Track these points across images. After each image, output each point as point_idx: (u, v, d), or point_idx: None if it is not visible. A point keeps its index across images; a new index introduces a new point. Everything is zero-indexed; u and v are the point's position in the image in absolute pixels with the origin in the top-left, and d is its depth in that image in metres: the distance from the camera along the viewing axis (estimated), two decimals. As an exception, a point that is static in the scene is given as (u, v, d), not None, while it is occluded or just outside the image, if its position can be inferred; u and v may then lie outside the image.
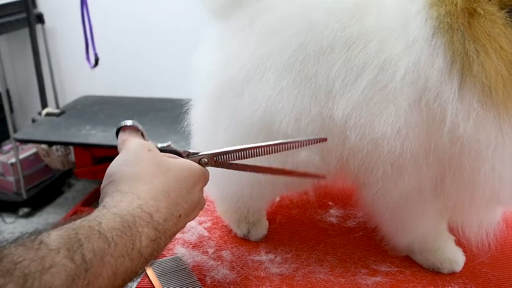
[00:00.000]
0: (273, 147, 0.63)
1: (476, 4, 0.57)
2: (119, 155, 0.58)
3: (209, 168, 0.68)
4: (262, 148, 0.63)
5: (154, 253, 0.50)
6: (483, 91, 0.56)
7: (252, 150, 0.63)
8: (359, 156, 0.65)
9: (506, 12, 0.56)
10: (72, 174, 2.93)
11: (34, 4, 2.74)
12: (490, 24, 0.56)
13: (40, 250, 0.40)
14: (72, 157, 2.85)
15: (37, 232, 0.43)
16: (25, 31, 2.66)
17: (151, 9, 2.60)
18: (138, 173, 0.54)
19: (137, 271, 0.48)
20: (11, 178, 2.67)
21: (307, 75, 0.65)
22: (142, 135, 0.63)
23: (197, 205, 0.60)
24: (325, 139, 0.64)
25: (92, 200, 2.70)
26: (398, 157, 0.62)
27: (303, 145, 0.64)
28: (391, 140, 0.61)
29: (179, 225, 0.56)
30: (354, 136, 0.64)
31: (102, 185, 0.55)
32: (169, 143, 0.64)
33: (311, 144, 0.64)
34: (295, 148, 0.64)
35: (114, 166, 0.56)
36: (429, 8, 0.59)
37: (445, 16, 0.58)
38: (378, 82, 0.61)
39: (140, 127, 0.63)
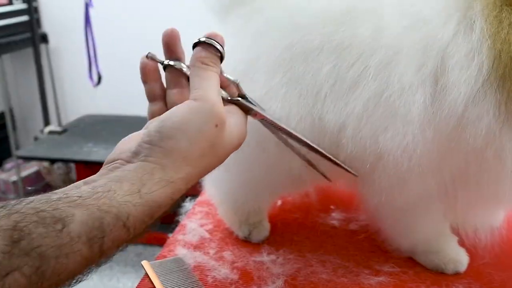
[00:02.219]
0: (312, 149, 0.60)
1: None
2: (187, 107, 0.49)
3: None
4: (306, 144, 0.60)
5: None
6: None
7: (297, 137, 0.60)
8: (358, 167, 0.64)
9: None
10: (73, 193, 2.92)
11: (38, 24, 2.78)
12: None
13: (61, 237, 0.39)
14: (73, 175, 2.85)
15: (60, 201, 0.40)
16: (29, 50, 2.69)
17: (154, 29, 2.63)
18: (190, 155, 0.48)
19: None
20: (12, 196, 2.66)
21: (294, 75, 0.65)
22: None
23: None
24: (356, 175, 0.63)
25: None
26: (405, 172, 0.61)
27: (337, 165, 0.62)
28: (398, 155, 0.60)
29: None
30: (351, 147, 0.63)
31: (147, 133, 0.49)
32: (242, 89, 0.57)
33: (343, 168, 0.62)
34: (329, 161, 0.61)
35: (174, 124, 0.48)
36: (491, 63, 0.53)
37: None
38: (383, 98, 0.59)
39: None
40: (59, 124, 2.90)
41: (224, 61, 0.57)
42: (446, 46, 0.56)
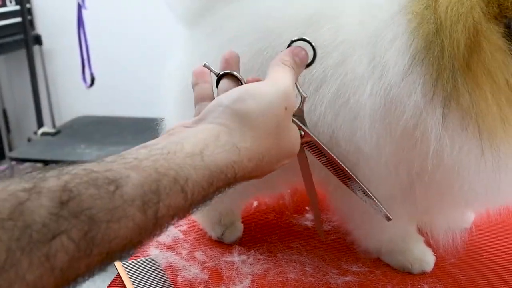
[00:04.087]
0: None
1: (481, 36, 0.52)
2: (260, 83, 0.50)
3: None
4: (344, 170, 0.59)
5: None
6: (469, 122, 0.54)
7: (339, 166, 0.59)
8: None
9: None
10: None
11: (32, 26, 2.80)
12: (490, 57, 0.52)
13: (113, 199, 0.35)
14: (67, 176, 2.86)
15: (114, 162, 0.38)
16: (23, 52, 2.71)
17: (147, 30, 2.65)
18: (257, 125, 0.46)
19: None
20: (6, 197, 2.67)
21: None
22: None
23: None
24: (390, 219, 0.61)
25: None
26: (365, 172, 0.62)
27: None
28: (356, 156, 0.61)
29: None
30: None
31: (225, 99, 0.47)
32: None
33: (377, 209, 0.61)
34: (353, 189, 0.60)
35: (247, 89, 0.48)
36: (411, 40, 0.54)
37: (437, 51, 0.53)
38: (340, 96, 0.61)
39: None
40: (53, 125, 2.91)
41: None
42: (383, 30, 0.58)
